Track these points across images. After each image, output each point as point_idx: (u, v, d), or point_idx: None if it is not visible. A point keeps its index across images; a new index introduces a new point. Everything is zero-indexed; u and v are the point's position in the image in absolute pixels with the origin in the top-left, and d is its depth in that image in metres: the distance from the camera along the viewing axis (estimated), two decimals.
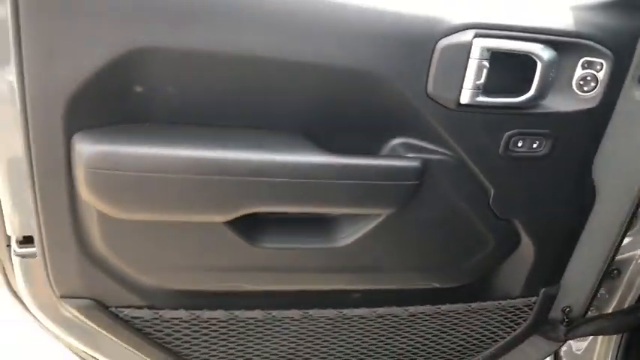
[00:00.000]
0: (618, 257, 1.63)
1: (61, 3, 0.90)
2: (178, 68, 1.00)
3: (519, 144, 1.13)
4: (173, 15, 0.94)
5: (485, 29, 1.02)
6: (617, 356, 1.72)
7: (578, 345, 1.82)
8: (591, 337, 1.77)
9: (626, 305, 1.65)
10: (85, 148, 0.98)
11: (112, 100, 0.99)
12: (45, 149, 1.00)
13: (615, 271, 1.65)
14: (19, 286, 1.19)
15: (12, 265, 1.20)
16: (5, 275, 1.25)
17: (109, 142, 0.99)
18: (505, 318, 1.45)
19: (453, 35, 1.02)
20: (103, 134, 1.00)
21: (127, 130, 1.01)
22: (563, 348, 1.83)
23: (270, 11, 0.98)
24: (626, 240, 1.64)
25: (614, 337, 1.72)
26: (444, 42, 1.02)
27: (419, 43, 1.02)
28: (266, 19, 0.98)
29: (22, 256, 1.14)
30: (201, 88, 1.03)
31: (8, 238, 1.17)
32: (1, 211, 1.13)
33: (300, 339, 1.34)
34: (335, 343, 1.38)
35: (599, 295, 1.68)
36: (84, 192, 1.02)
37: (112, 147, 0.99)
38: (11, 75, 0.99)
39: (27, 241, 1.14)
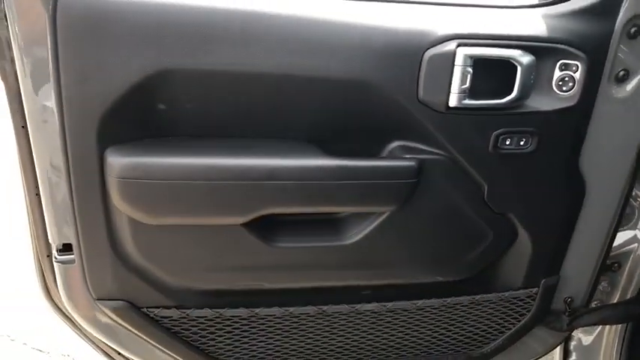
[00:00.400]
0: (618, 251, 1.71)
1: (92, 34, 1.05)
2: (196, 87, 1.13)
3: (507, 142, 1.24)
4: (189, 40, 1.08)
5: (467, 39, 1.14)
6: (622, 345, 1.78)
7: (586, 338, 1.88)
8: (599, 329, 1.84)
9: (627, 297, 1.73)
10: (116, 161, 1.11)
11: (138, 118, 1.13)
12: (81, 164, 1.13)
13: (616, 265, 1.72)
14: (60, 292, 1.32)
15: (52, 273, 1.33)
16: (45, 284, 1.37)
17: (137, 154, 1.13)
18: (509, 309, 1.53)
19: (438, 46, 1.14)
20: (132, 148, 1.13)
21: (152, 143, 1.15)
22: (573, 342, 1.90)
23: (276, 33, 1.11)
24: (625, 234, 1.73)
25: (620, 327, 1.79)
26: (431, 52, 1.14)
27: (408, 54, 1.14)
28: (272, 41, 1.11)
29: (62, 262, 1.27)
30: (217, 103, 1.16)
31: (49, 247, 1.30)
32: (43, 222, 1.26)
33: (317, 334, 1.45)
34: (349, 338, 1.48)
35: (601, 288, 1.76)
36: (116, 200, 1.15)
37: (140, 159, 1.13)
38: (47, 100, 1.13)
39: (66, 249, 1.27)
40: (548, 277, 1.50)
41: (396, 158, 1.24)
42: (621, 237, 1.71)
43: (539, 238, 1.41)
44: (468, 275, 1.43)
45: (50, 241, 1.27)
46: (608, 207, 1.44)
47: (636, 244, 1.70)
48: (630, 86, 1.27)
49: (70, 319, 1.40)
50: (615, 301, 1.74)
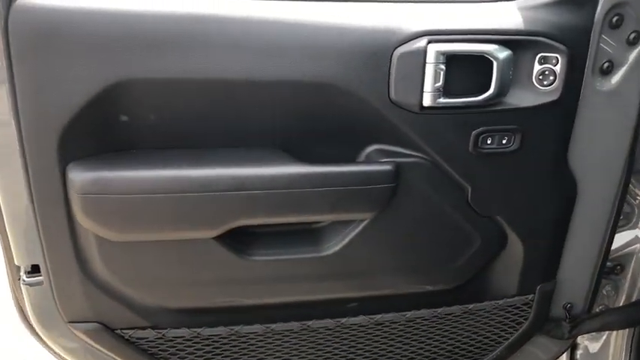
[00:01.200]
0: (620, 252, 1.64)
1: (46, 45, 1.01)
2: (157, 97, 1.09)
3: (488, 141, 1.18)
4: (146, 49, 1.04)
5: (438, 35, 1.09)
6: (631, 352, 1.70)
7: (593, 346, 1.80)
8: (605, 336, 1.76)
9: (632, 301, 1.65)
10: (77, 176, 1.07)
11: (100, 131, 1.09)
12: (43, 181, 1.10)
13: (618, 267, 1.65)
14: (29, 315, 1.27)
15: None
16: (20, 307, 1.33)
17: (99, 168, 1.08)
18: (505, 318, 1.46)
19: (408, 43, 1.09)
20: (94, 162, 1.09)
21: (115, 157, 1.11)
22: (579, 351, 1.82)
23: (238, 36, 1.07)
24: (626, 234, 1.66)
25: (627, 332, 1.71)
26: (400, 50, 1.09)
27: (377, 54, 1.09)
28: (234, 45, 1.07)
29: (30, 284, 1.23)
30: (180, 113, 1.11)
31: (18, 270, 1.26)
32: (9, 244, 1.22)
33: (302, 351, 1.38)
34: (336, 354, 1.41)
35: (605, 293, 1.69)
36: (80, 217, 1.11)
37: (102, 173, 1.08)
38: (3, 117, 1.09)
39: (34, 270, 1.23)
40: (544, 283, 1.43)
41: (372, 162, 1.19)
42: (622, 238, 1.64)
43: (531, 242, 1.35)
44: (458, 283, 1.37)
45: (17, 263, 1.23)
46: (603, 206, 1.37)
47: (638, 245, 1.64)
48: (616, 78, 1.21)
49: (47, 343, 1.35)
50: (620, 305, 1.67)
